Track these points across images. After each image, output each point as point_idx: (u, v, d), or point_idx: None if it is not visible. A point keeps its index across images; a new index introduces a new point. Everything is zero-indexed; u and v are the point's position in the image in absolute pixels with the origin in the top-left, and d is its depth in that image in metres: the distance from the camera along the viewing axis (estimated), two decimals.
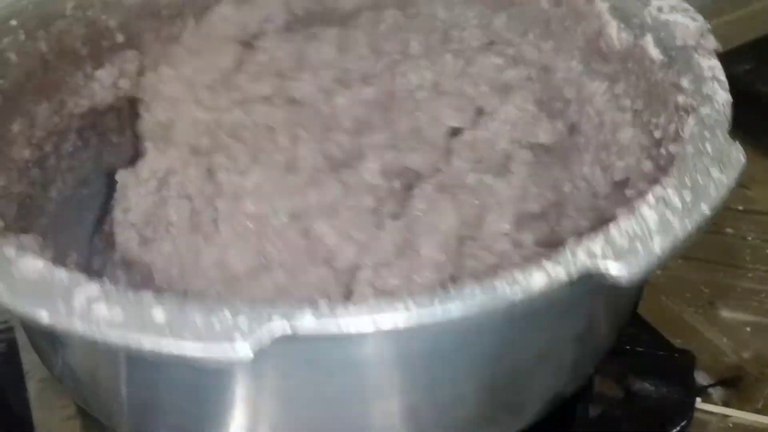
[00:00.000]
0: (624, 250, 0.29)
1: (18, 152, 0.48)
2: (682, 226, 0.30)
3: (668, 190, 0.32)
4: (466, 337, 0.30)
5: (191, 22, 0.59)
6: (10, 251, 0.30)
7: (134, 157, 0.58)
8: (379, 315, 0.26)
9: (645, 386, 0.53)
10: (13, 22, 0.49)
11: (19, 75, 0.49)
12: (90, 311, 0.27)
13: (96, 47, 0.54)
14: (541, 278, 0.28)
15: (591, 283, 0.29)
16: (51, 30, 0.51)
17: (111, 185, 0.56)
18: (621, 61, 0.50)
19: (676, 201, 0.32)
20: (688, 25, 0.45)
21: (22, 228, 0.45)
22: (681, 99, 0.42)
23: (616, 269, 0.29)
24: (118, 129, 0.57)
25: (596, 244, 0.29)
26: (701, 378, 0.54)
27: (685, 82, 0.42)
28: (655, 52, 0.46)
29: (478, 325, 0.29)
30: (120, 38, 0.56)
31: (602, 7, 0.51)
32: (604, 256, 0.29)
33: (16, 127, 0.48)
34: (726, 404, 0.53)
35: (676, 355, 0.54)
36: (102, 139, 0.56)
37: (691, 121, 0.39)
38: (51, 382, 0.50)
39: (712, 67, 0.41)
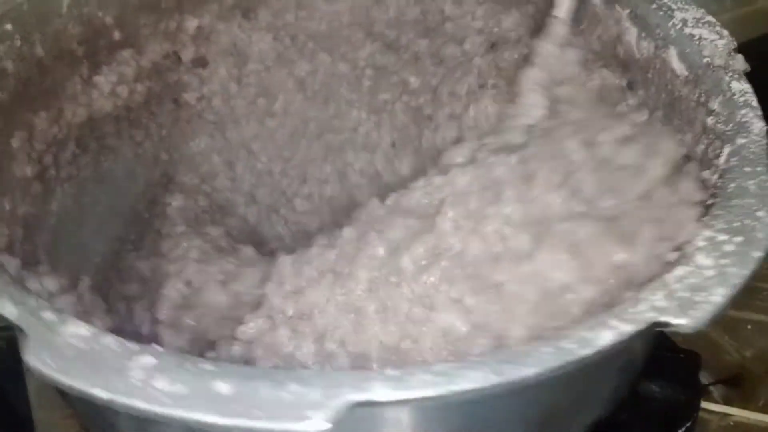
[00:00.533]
0: (688, 304, 0.29)
1: (20, 169, 0.45)
2: (739, 274, 0.30)
3: (718, 236, 0.32)
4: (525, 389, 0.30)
5: (188, 16, 0.57)
6: (50, 316, 0.29)
7: (132, 160, 0.57)
8: (459, 376, 0.26)
9: (650, 387, 0.54)
10: (8, 26, 0.46)
11: (16, 84, 0.46)
12: (149, 385, 0.26)
13: (92, 47, 0.52)
14: (609, 336, 0.28)
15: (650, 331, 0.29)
16: (47, 31, 0.48)
17: (108, 192, 0.54)
18: (640, 70, 0.50)
19: (728, 246, 0.32)
20: (716, 42, 0.44)
21: (28, 251, 0.43)
22: (711, 121, 0.42)
23: (681, 322, 0.29)
24: (116, 133, 0.54)
25: (659, 298, 0.29)
26: (703, 376, 0.55)
27: (714, 105, 0.42)
28: (679, 67, 0.46)
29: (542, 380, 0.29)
30: (117, 35, 0.53)
31: (623, 13, 0.50)
32: (669, 312, 0.29)
33: (15, 142, 0.45)
34: (727, 403, 0.55)
35: (682, 356, 0.55)
36: (100, 143, 0.54)
37: (726, 149, 0.38)
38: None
39: (743, 91, 0.41)
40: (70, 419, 0.48)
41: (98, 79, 0.52)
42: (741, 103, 0.41)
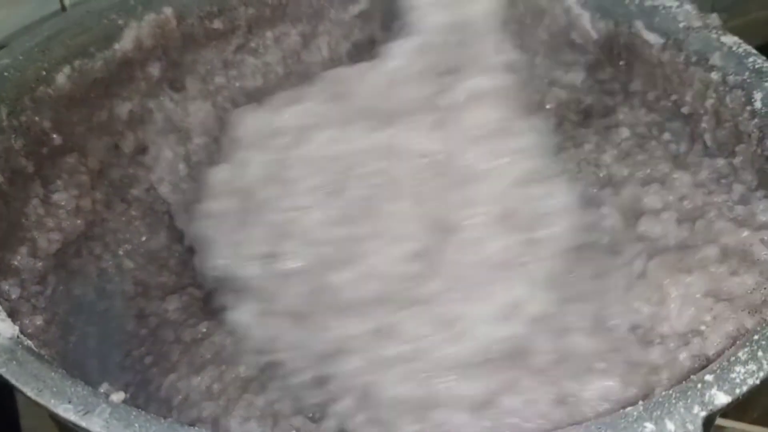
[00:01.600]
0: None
1: (32, 324, 0.36)
2: None
3: None
4: None
5: (118, 102, 0.49)
6: None
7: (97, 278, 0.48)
8: None
9: None
10: None
11: None
12: None
13: (38, 158, 0.43)
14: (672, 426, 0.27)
15: None
16: None
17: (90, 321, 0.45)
18: (601, 50, 0.52)
19: None
20: (685, 7, 0.48)
21: None
22: (715, 76, 0.45)
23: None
24: (75, 252, 0.46)
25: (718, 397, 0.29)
26: None
27: (715, 60, 0.45)
28: (651, 37, 0.49)
29: None
30: (57, 139, 0.45)
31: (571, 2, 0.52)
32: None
33: (14, 292, 0.36)
34: (722, 415, 0.58)
35: None
36: (66, 269, 0.45)
37: (757, 95, 0.41)
38: None
39: (737, 42, 0.45)
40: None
41: (58, 197, 0.43)
42: (743, 53, 0.44)
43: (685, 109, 0.48)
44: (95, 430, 0.24)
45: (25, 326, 0.36)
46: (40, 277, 0.40)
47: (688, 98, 0.48)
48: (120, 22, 0.49)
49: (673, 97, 0.49)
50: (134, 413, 0.24)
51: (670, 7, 0.49)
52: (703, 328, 0.36)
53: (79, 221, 0.44)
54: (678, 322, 0.36)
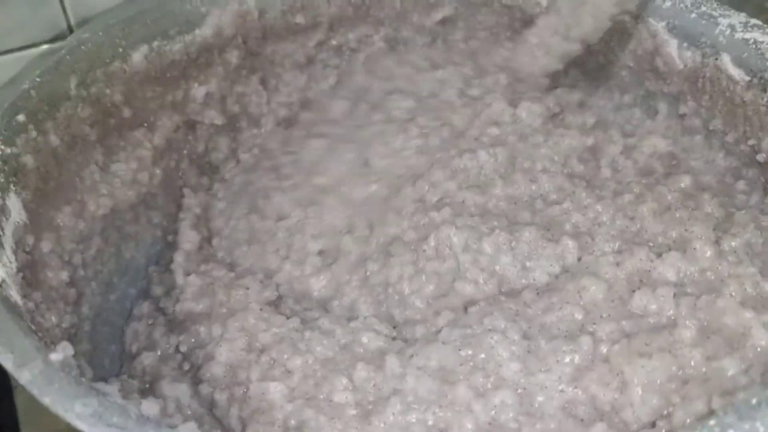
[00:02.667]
0: None
1: (56, 276, 0.40)
2: None
3: None
4: None
5: (194, 84, 0.52)
6: None
7: (152, 245, 0.51)
8: None
9: None
10: (21, 117, 0.40)
11: (37, 181, 0.41)
12: None
13: (104, 129, 0.46)
14: None
15: None
16: (58, 116, 0.43)
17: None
18: (686, 81, 0.49)
19: None
20: None
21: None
22: None
23: None
24: (134, 219, 0.49)
25: None
26: None
27: None
28: (737, 72, 0.45)
29: None
30: (126, 112, 0.48)
31: (658, 26, 0.49)
32: None
33: (46, 246, 0.40)
34: None
35: None
36: (120, 232, 0.48)
37: None
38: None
39: None
40: None
41: (117, 167, 0.47)
42: None
43: (761, 157, 0.44)
44: (22, 382, 0.26)
45: (48, 278, 0.39)
46: (80, 237, 0.43)
47: (765, 144, 0.43)
48: (203, 9, 0.51)
49: (751, 142, 0.45)
50: (59, 375, 0.26)
51: (762, 42, 0.44)
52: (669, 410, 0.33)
53: (131, 192, 0.47)
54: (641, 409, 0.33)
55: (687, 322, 0.34)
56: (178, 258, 0.47)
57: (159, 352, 0.43)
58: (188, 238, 0.49)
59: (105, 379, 0.38)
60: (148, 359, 0.42)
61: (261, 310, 0.41)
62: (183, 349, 0.42)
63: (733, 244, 0.39)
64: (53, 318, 0.37)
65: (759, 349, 0.32)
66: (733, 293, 0.35)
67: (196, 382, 0.38)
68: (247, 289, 0.43)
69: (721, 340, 0.33)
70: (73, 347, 0.38)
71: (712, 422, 0.25)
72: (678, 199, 0.42)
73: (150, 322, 0.45)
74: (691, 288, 0.37)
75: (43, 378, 0.26)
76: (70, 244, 0.42)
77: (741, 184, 0.46)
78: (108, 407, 0.25)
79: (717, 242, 0.39)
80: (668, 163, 0.48)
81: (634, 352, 0.34)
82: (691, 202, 0.43)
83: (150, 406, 0.30)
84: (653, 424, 0.32)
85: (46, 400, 0.25)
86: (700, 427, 0.25)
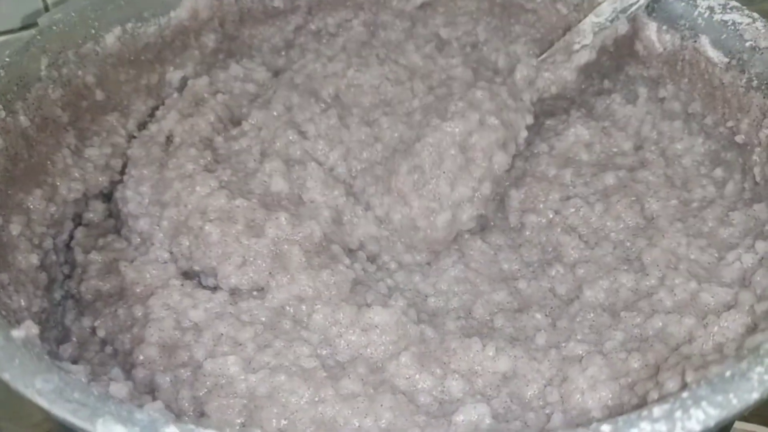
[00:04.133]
0: None
1: (26, 260, 0.39)
2: None
3: None
4: None
5: (170, 68, 0.52)
6: None
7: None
8: None
9: None
10: None
11: (5, 162, 0.40)
12: None
13: (76, 111, 0.46)
14: None
15: None
16: (28, 97, 0.42)
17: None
18: (665, 64, 0.48)
19: None
20: (755, 25, 0.43)
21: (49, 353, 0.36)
22: None
23: None
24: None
25: None
26: None
27: None
28: (715, 54, 0.45)
29: None
30: (99, 95, 0.47)
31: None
32: None
33: (15, 229, 0.39)
34: None
35: None
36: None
37: None
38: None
39: None
40: (33, 429, 0.49)
41: (91, 152, 0.46)
42: None
43: (739, 138, 0.44)
44: None
45: (17, 261, 0.38)
46: (51, 220, 0.42)
47: (743, 126, 0.43)
48: None
49: (730, 124, 0.44)
50: (21, 351, 0.26)
51: (740, 23, 0.44)
52: None
53: (102, 178, 0.46)
54: None
55: None
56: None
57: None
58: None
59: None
60: (66, 352, 0.39)
61: (182, 285, 0.40)
62: (101, 334, 0.40)
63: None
64: (22, 301, 0.36)
65: None
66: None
67: (127, 368, 0.37)
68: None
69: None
70: (44, 332, 0.38)
71: (684, 395, 0.25)
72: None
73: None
74: None
75: (4, 354, 0.26)
76: (40, 227, 0.41)
77: (719, 171, 0.45)
78: (69, 383, 0.24)
79: None
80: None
81: None
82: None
83: (119, 388, 0.29)
84: None
85: (6, 376, 0.25)
86: (673, 399, 0.25)
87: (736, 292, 0.36)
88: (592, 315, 0.39)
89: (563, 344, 0.38)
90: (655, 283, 0.39)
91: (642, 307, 0.38)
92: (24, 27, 0.51)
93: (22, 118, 0.41)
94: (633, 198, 0.45)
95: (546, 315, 0.40)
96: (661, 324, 0.36)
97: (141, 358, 0.36)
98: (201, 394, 0.34)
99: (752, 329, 0.32)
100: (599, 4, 0.50)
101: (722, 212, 0.42)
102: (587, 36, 0.49)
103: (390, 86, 0.51)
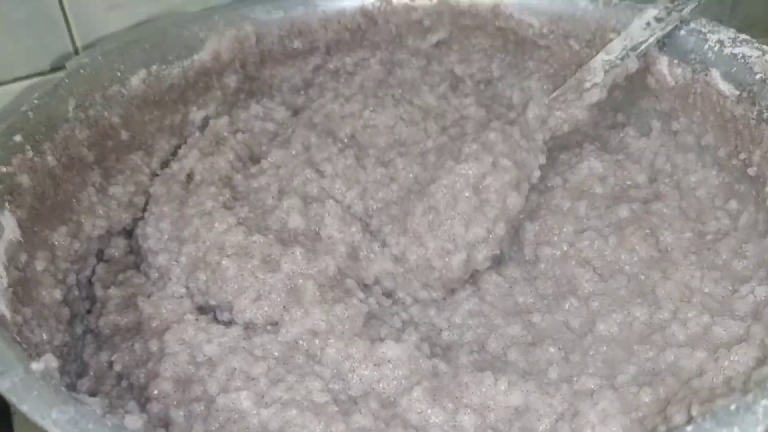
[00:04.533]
0: None
1: (49, 294, 0.40)
2: None
3: None
4: None
5: (193, 108, 0.53)
6: None
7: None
8: None
9: None
10: (18, 138, 0.41)
11: (32, 200, 0.41)
12: None
13: (102, 150, 0.47)
14: None
15: None
16: (55, 138, 0.44)
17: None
18: (677, 98, 0.49)
19: None
20: (765, 57, 0.43)
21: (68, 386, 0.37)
22: None
23: None
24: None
25: None
26: None
27: None
28: (726, 87, 0.45)
29: None
30: (124, 135, 0.49)
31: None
32: None
33: (40, 265, 0.40)
34: None
35: None
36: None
37: None
38: None
39: None
40: None
41: (114, 189, 0.47)
42: None
43: (751, 171, 0.44)
44: (2, 390, 0.26)
45: (41, 296, 0.39)
46: (75, 257, 0.44)
47: (756, 157, 0.43)
48: (201, 34, 0.53)
49: (742, 156, 0.45)
50: (39, 384, 0.27)
51: (750, 56, 0.45)
52: None
53: (125, 215, 0.47)
54: None
55: None
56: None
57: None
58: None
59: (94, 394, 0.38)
60: (84, 385, 0.40)
61: (197, 320, 0.41)
62: (117, 368, 0.40)
63: None
64: (44, 335, 0.37)
65: None
66: None
67: (142, 402, 0.37)
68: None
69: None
70: (65, 365, 0.39)
71: (689, 428, 0.25)
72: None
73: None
74: None
75: (23, 386, 0.27)
76: (64, 263, 0.43)
77: (733, 204, 0.46)
78: (84, 415, 0.25)
79: None
80: None
81: None
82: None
83: (133, 421, 0.30)
84: None
85: (24, 408, 0.26)
86: None
87: (749, 326, 0.36)
88: (605, 348, 0.39)
89: (575, 378, 0.38)
90: (668, 316, 0.39)
91: (655, 341, 0.38)
92: (53, 69, 0.53)
93: (49, 158, 0.43)
94: (647, 230, 0.45)
95: (559, 348, 0.41)
96: (673, 358, 0.36)
97: (155, 392, 0.36)
98: (214, 428, 0.34)
99: (762, 362, 0.32)
100: (611, 40, 0.51)
101: (736, 244, 0.42)
102: (598, 74, 0.49)
103: (404, 126, 0.52)
